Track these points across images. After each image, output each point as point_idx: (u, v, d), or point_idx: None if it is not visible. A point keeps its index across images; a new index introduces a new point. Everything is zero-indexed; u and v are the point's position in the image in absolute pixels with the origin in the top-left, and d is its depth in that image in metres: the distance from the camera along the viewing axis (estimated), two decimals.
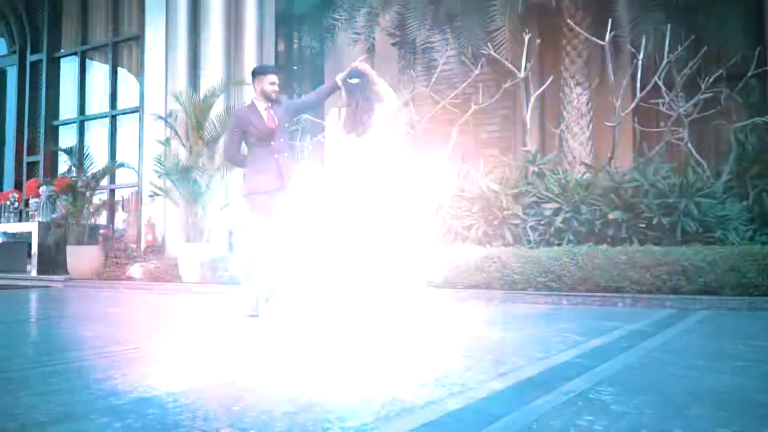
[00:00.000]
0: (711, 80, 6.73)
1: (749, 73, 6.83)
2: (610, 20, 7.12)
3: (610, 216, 5.67)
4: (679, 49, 6.79)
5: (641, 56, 6.88)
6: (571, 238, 5.90)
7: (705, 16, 8.06)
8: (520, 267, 5.52)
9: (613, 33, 7.08)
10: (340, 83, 4.44)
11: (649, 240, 5.62)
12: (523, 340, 3.16)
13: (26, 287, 8.63)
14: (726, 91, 7.36)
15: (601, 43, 6.84)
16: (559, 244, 5.92)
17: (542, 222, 6.07)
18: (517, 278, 5.53)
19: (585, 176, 6.66)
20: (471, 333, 3.45)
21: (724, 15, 7.65)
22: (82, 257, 9.07)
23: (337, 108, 4.43)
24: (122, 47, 12.08)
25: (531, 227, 6.10)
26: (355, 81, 4.24)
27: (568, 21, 8.26)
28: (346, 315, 3.93)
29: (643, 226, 5.65)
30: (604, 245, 5.53)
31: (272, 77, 4.54)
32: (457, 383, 2.15)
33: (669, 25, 6.88)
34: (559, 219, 5.90)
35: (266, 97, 4.54)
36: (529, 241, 6.13)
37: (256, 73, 4.64)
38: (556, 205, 5.94)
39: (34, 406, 1.88)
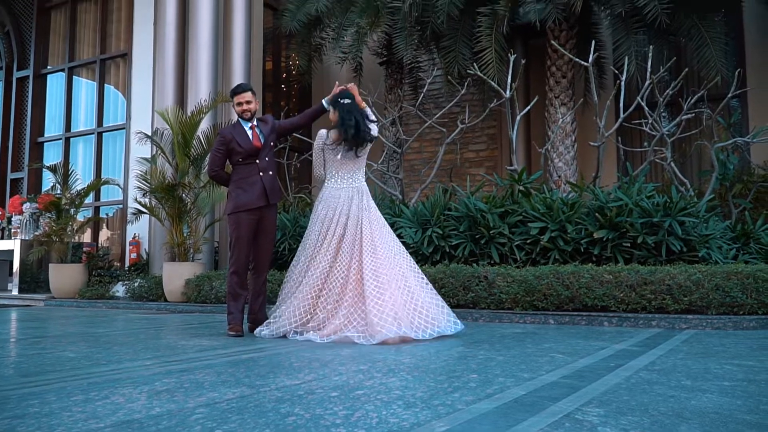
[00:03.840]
0: (693, 101, 6.85)
1: (729, 94, 6.96)
2: (593, 42, 7.25)
3: (596, 235, 5.70)
4: (661, 70, 6.92)
5: (624, 77, 7.00)
6: (557, 257, 5.92)
7: (686, 39, 8.24)
8: (507, 286, 5.53)
9: (596, 54, 7.20)
10: (326, 105, 4.51)
11: (635, 259, 5.66)
12: (510, 360, 3.15)
13: (6, 306, 8.49)
14: (707, 112, 7.50)
15: (585, 64, 6.94)
16: (545, 263, 5.95)
17: (528, 241, 6.09)
18: (504, 297, 5.53)
19: (570, 195, 6.72)
20: (457, 353, 3.44)
21: (705, 37, 7.82)
22: (64, 275, 8.95)
23: (326, 129, 4.48)
24: (109, 64, 12.05)
25: (517, 246, 6.13)
26: (347, 101, 4.32)
27: (553, 42, 8.40)
28: (331, 336, 3.91)
29: (628, 245, 5.69)
30: (590, 264, 5.56)
31: (238, 97, 4.59)
32: (443, 404, 2.14)
33: (651, 47, 7.02)
34: (545, 238, 5.92)
35: (239, 116, 4.61)
36: (515, 260, 6.16)
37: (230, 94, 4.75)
38: (542, 224, 5.97)
39: (11, 429, 1.84)
